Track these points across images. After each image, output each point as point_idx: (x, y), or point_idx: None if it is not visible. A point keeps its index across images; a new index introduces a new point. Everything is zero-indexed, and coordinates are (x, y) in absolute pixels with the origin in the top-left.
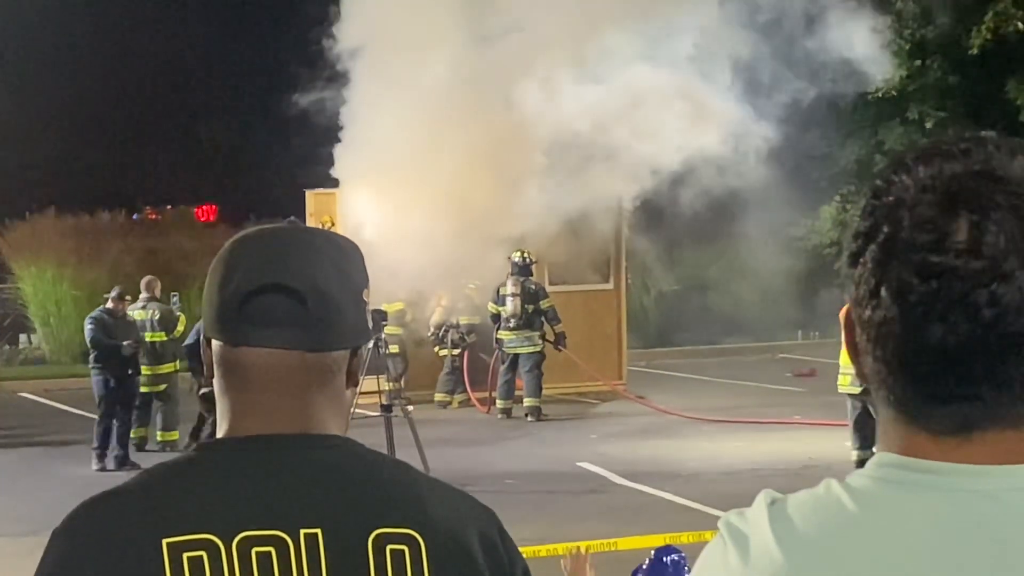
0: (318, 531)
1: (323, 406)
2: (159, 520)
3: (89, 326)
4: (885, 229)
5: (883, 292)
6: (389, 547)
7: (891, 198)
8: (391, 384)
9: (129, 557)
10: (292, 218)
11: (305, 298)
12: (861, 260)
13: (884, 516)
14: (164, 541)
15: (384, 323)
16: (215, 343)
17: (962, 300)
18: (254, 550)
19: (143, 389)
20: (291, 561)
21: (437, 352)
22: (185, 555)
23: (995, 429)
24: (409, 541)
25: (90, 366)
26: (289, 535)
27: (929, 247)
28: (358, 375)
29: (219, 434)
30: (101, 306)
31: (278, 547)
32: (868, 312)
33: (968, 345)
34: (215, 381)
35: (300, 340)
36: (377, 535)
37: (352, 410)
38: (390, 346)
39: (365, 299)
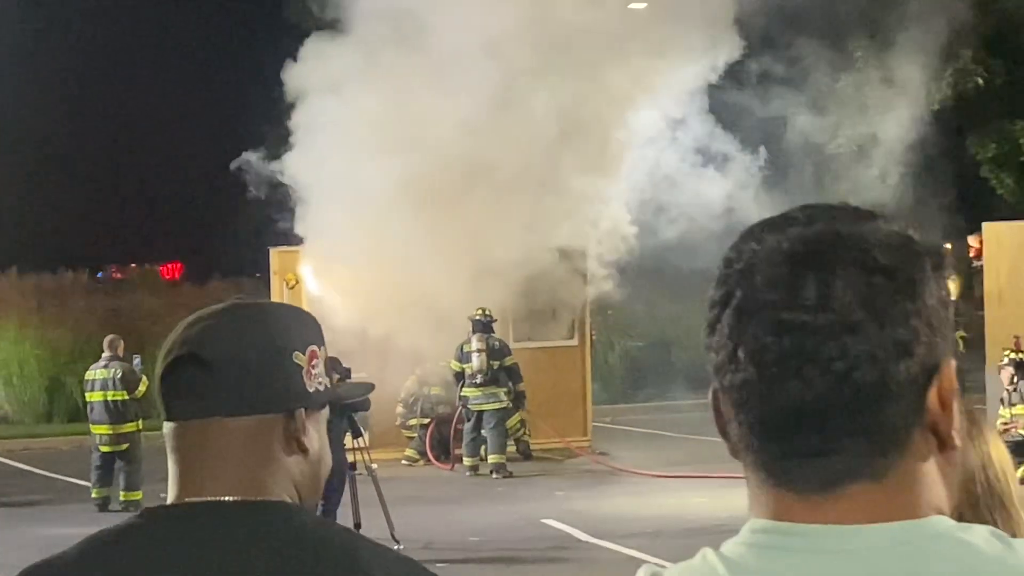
0: None
1: (261, 471)
2: None
3: None
4: (738, 293)
5: (740, 354)
6: None
7: (742, 264)
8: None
9: None
10: (240, 295)
11: (213, 365)
12: (717, 327)
13: None
14: None
15: (349, 380)
16: (163, 423)
17: (814, 354)
18: None
19: (105, 449)
20: None
21: (405, 422)
22: None
23: (858, 483)
24: None
25: None
26: None
27: (780, 305)
28: (303, 440)
29: (168, 501)
30: None
31: None
32: (728, 377)
33: (824, 399)
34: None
35: (216, 407)
36: None
37: (319, 474)
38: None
39: (298, 362)
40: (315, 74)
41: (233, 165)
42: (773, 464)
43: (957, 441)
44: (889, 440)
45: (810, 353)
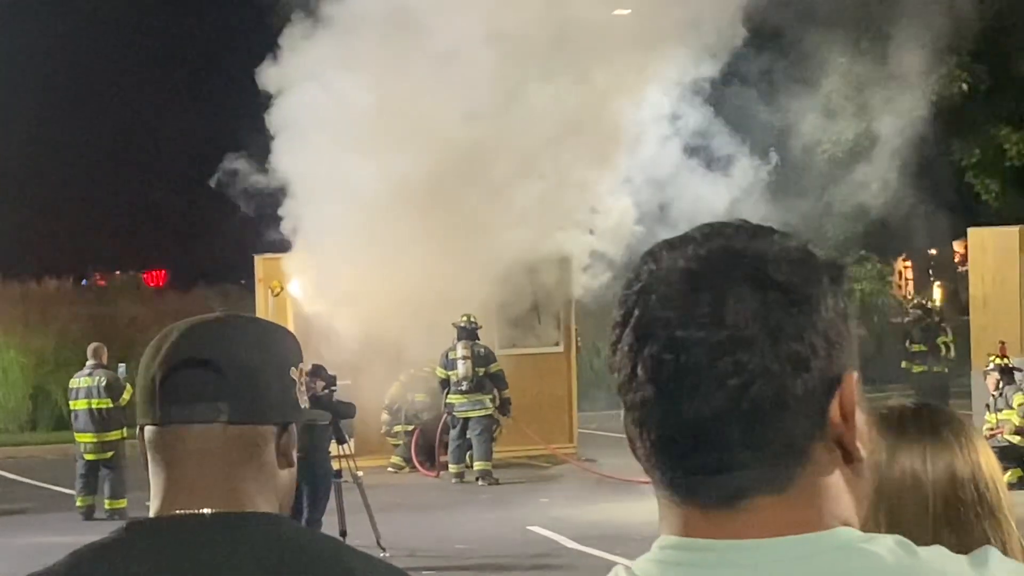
0: None
1: (250, 482)
2: None
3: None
4: (636, 313)
5: (639, 372)
6: None
7: (640, 284)
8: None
9: None
10: (224, 310)
11: (222, 369)
12: (618, 346)
13: None
14: None
15: (335, 388)
16: (146, 428)
17: (710, 371)
18: None
19: (89, 457)
20: None
21: (390, 429)
22: None
23: (761, 497)
24: None
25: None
26: None
27: (676, 323)
28: (292, 455)
29: (151, 513)
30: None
31: None
32: (630, 396)
33: (722, 414)
34: (149, 464)
35: (220, 412)
36: None
37: (294, 487)
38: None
39: (293, 377)
40: (300, 67)
41: (217, 172)
42: (677, 481)
43: (863, 452)
44: (789, 454)
45: (705, 370)
